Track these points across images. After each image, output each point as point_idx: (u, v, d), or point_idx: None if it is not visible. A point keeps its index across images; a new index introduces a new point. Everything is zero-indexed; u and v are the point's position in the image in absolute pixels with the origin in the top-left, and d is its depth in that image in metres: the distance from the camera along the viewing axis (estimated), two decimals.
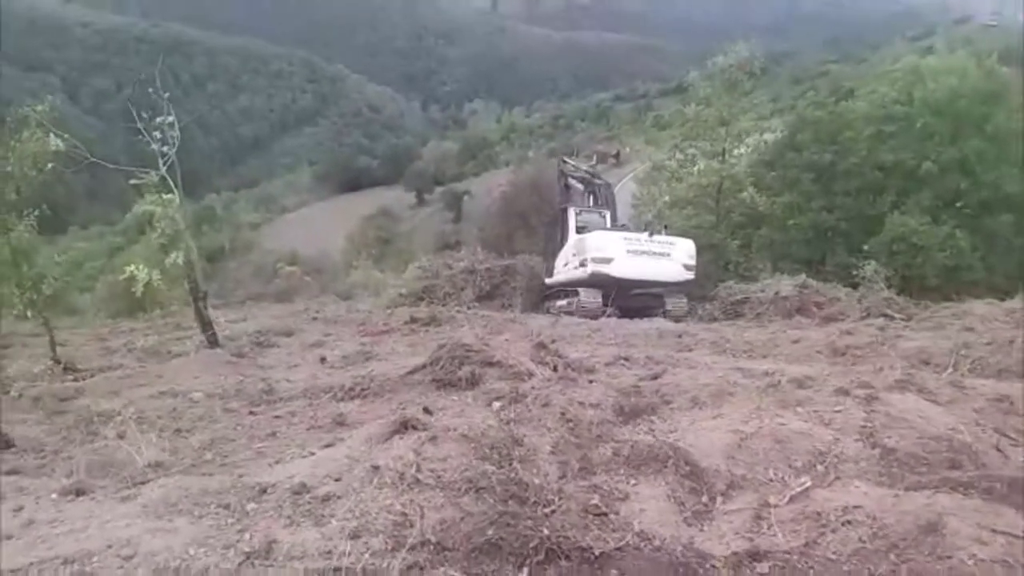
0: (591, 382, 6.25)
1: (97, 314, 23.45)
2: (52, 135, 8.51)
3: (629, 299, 15.64)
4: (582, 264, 15.40)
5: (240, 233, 66.72)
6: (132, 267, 8.06)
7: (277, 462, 4.59)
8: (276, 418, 5.86)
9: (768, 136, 18.50)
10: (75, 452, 4.94)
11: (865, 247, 16.57)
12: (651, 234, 15.51)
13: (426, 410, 5.74)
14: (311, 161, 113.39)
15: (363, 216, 67.54)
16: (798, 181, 17.08)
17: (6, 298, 9.21)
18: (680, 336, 9.01)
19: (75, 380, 8.00)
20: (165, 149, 8.51)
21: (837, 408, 4.70)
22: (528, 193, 21.97)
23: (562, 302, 16.22)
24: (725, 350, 8.01)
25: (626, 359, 7.16)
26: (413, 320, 13.65)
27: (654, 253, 15.28)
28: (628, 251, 15.09)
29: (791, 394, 5.18)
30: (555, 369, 6.54)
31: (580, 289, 15.48)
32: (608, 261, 15.00)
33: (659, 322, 13.00)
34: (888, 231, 15.52)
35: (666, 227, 16.02)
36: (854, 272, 13.60)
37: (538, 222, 22.55)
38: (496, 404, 5.77)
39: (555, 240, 17.49)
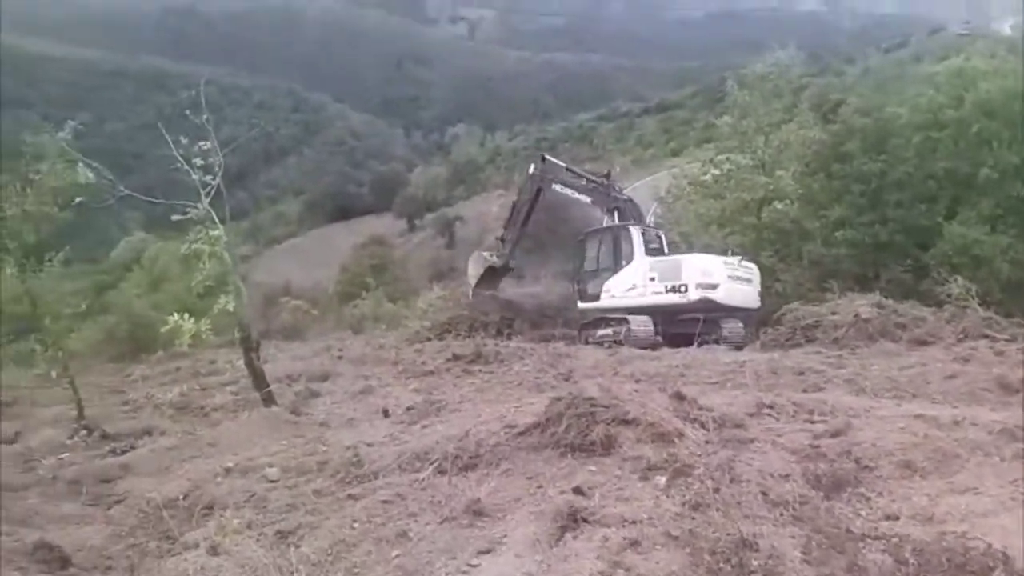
0: (752, 442, 5.20)
1: (94, 359, 21.99)
2: (80, 165, 7.37)
3: (679, 326, 14.68)
4: (677, 289, 14.46)
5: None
6: (176, 316, 6.91)
7: None
8: (386, 504, 4.74)
9: (812, 148, 17.56)
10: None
11: (911, 261, 15.74)
12: (742, 259, 14.99)
13: (578, 490, 4.67)
14: (297, 191, 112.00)
15: (355, 244, 66.22)
16: (846, 192, 16.19)
17: (25, 355, 8.02)
18: (802, 373, 7.96)
19: (114, 453, 6.84)
20: (208, 179, 7.39)
21: None
22: (540, 215, 20.78)
23: (606, 331, 15.10)
24: (864, 388, 6.99)
25: (770, 407, 6.12)
26: (456, 358, 12.56)
27: (743, 279, 14.74)
28: (729, 276, 14.47)
29: None
30: (704, 426, 5.48)
31: (630, 317, 14.46)
32: (715, 287, 14.25)
33: (723, 351, 12.07)
34: (947, 242, 14.64)
35: (733, 251, 15.15)
36: (939, 288, 12.55)
37: (552, 244, 21.31)
38: (660, 479, 4.71)
39: (600, 260, 16.29)
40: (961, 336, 10.43)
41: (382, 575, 3.69)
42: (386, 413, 8.20)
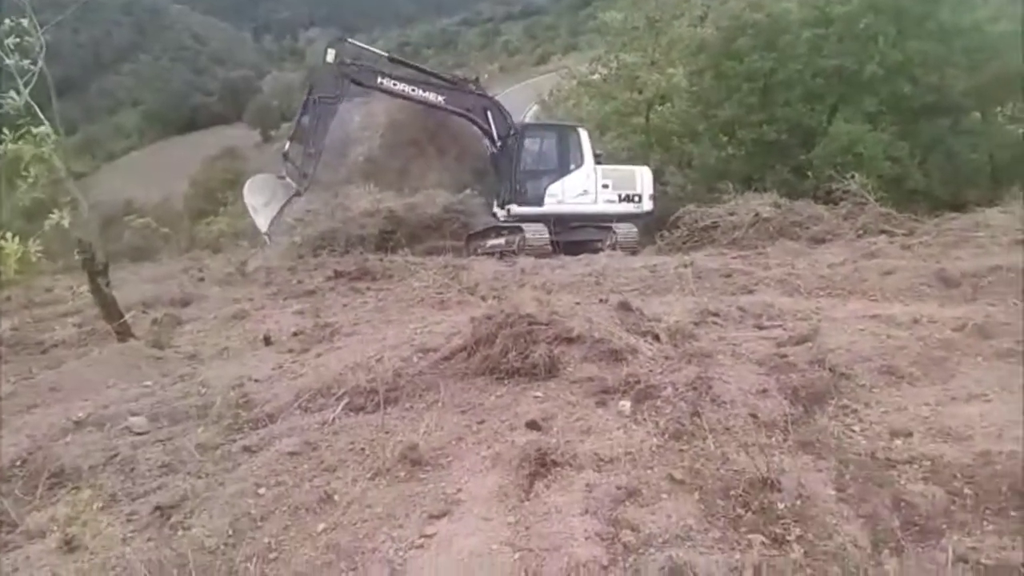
0: (712, 355, 4.58)
1: None
2: None
3: (572, 232, 14.15)
4: (631, 198, 14.68)
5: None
6: None
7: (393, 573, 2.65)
8: (294, 457, 3.79)
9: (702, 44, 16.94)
10: None
11: (794, 161, 15.85)
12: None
13: (533, 424, 3.91)
14: (135, 101, 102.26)
15: (205, 157, 61.35)
16: (736, 91, 15.92)
17: None
18: (728, 275, 7.50)
19: None
20: (26, 63, 5.72)
21: None
22: (421, 120, 19.25)
23: (496, 240, 14.32)
24: (798, 288, 6.61)
25: (715, 314, 5.56)
26: (338, 275, 11.40)
27: None
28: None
29: None
30: (658, 339, 4.83)
31: (524, 225, 13.71)
32: (654, 198, 14.91)
33: (622, 257, 11.55)
34: (832, 141, 14.75)
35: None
36: (832, 186, 12.46)
37: (435, 152, 19.89)
38: (623, 404, 4.02)
39: (542, 161, 14.91)
40: (860, 232, 10.48)
41: (310, 559, 2.79)
42: (268, 340, 7.05)
